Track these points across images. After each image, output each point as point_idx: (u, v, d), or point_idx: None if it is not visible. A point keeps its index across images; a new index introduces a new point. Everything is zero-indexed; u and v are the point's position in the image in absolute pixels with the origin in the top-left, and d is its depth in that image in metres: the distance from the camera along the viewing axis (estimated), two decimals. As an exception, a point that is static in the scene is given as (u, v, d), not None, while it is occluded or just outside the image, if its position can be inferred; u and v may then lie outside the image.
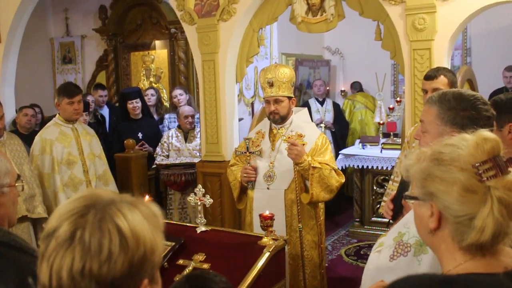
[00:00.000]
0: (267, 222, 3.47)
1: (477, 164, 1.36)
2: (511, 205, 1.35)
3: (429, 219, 1.45)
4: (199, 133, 6.27)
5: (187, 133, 6.32)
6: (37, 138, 4.94)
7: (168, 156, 6.24)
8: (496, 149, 1.39)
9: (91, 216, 1.17)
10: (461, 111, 2.16)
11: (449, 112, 2.18)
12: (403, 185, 2.69)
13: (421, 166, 1.47)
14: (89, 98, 7.24)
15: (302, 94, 9.36)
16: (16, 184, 2.09)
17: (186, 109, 6.40)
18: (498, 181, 1.35)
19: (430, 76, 3.57)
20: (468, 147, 1.39)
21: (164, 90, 8.70)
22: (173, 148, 6.25)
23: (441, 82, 3.50)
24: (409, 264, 1.98)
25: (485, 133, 1.43)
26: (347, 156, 7.17)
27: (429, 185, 1.43)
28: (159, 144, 6.33)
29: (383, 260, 2.10)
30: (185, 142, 6.28)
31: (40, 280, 1.19)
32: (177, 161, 6.07)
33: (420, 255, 1.96)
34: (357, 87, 9.57)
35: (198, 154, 6.16)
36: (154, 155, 6.33)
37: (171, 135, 6.34)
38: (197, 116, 6.84)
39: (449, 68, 4.40)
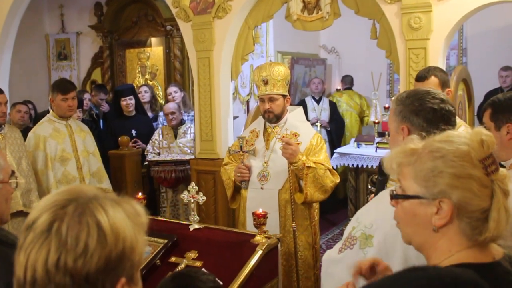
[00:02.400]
0: (260, 220, 3.45)
1: (483, 160, 1.43)
2: (507, 193, 1.44)
3: (434, 217, 1.45)
4: (189, 129, 6.25)
5: (176, 130, 6.29)
6: (30, 134, 4.92)
7: (159, 154, 6.21)
8: (494, 145, 1.46)
9: (71, 209, 1.15)
10: (408, 104, 2.21)
11: (399, 107, 2.24)
12: (381, 185, 2.69)
13: (426, 165, 1.47)
14: (86, 96, 7.22)
15: (297, 93, 9.34)
16: (10, 181, 2.07)
17: (169, 106, 6.39)
18: (498, 175, 1.44)
19: (421, 77, 3.57)
20: (473, 143, 1.44)
21: (160, 88, 8.68)
22: (163, 145, 6.22)
23: (432, 82, 3.49)
24: (355, 256, 2.03)
25: (483, 130, 1.48)
26: (342, 155, 7.17)
27: (440, 183, 1.44)
28: (150, 141, 6.31)
29: (332, 253, 2.19)
30: (175, 139, 6.24)
31: (15, 274, 1.17)
32: (168, 158, 6.04)
33: (365, 248, 2.01)
34: (348, 82, 9.41)
35: (189, 151, 6.14)
36: (145, 153, 6.30)
37: (161, 133, 6.31)
38: (192, 113, 6.82)
39: (444, 67, 4.39)
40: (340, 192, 8.26)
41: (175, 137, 6.25)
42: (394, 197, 1.58)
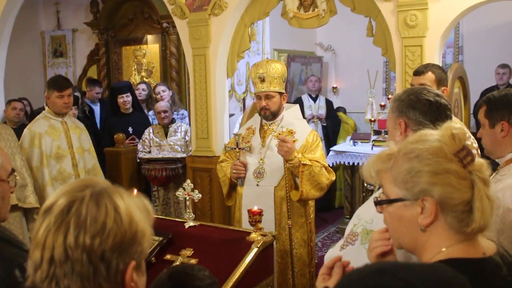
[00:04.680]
0: (255, 217, 3.45)
1: (457, 153, 1.45)
2: (487, 182, 1.47)
3: (420, 217, 1.46)
4: (179, 128, 6.22)
5: (167, 129, 6.25)
6: (26, 131, 4.90)
7: (149, 152, 6.16)
8: (465, 137, 1.48)
9: (89, 192, 1.22)
10: (404, 99, 2.26)
11: (395, 103, 2.29)
12: None
13: (402, 167, 1.48)
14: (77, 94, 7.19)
15: (294, 91, 9.34)
16: (9, 179, 2.08)
17: (161, 105, 6.33)
18: (475, 165, 1.45)
19: (418, 71, 3.60)
20: (444, 138, 1.46)
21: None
22: (154, 144, 6.17)
23: (428, 78, 3.52)
24: (357, 252, 2.05)
25: (453, 124, 1.50)
26: (338, 153, 7.16)
27: (420, 182, 1.45)
28: (141, 140, 6.25)
29: (334, 250, 2.19)
30: (166, 137, 6.21)
31: (31, 255, 1.21)
32: (160, 156, 6.01)
33: (367, 243, 2.00)
34: (341, 110, 9.51)
35: (180, 149, 6.12)
36: (136, 152, 6.28)
37: (151, 131, 6.27)
38: (181, 112, 6.80)
39: (440, 65, 4.39)
40: (336, 200, 8.40)
41: (166, 135, 6.20)
42: (378, 203, 1.59)
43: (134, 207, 1.24)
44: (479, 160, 1.47)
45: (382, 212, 1.59)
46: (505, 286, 1.42)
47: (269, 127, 4.24)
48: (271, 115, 4.19)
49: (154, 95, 7.22)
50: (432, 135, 1.49)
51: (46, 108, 5.01)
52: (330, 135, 8.44)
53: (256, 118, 4.38)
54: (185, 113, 6.94)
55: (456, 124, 1.51)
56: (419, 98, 2.21)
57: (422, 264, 1.25)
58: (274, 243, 3.50)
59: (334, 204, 8.44)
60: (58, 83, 4.91)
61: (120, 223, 1.19)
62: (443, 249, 1.45)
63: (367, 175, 1.58)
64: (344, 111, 9.47)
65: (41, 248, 1.18)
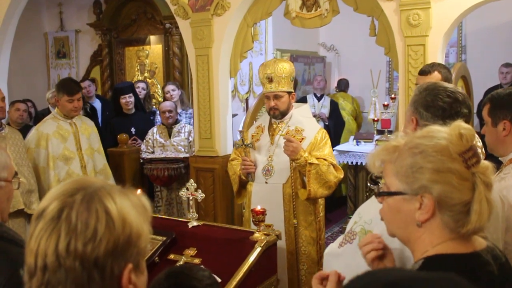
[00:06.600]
0: (258, 217, 3.46)
1: (463, 153, 1.44)
2: (490, 185, 1.46)
3: (417, 212, 1.47)
4: (183, 128, 6.23)
5: (170, 129, 6.26)
6: (33, 131, 4.93)
7: (153, 153, 6.17)
8: (473, 138, 1.47)
9: (80, 197, 1.19)
10: (423, 96, 2.26)
11: (415, 97, 2.29)
12: None
13: (406, 161, 1.48)
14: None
15: (296, 90, 9.33)
16: (13, 180, 2.10)
17: (165, 104, 6.34)
18: (479, 167, 1.44)
19: (424, 71, 3.58)
20: (452, 137, 1.45)
21: (159, 85, 8.66)
22: (158, 144, 6.18)
23: (435, 78, 3.51)
24: (354, 251, 2.03)
25: (462, 124, 1.49)
26: (341, 152, 7.17)
27: (421, 178, 1.45)
28: (144, 141, 6.26)
29: (333, 246, 2.20)
30: (169, 138, 6.21)
31: (26, 261, 1.20)
32: (162, 156, 6.02)
33: None
34: (342, 85, 9.48)
35: (183, 149, 6.12)
36: (140, 153, 6.28)
37: (155, 132, 6.27)
38: (190, 111, 6.80)
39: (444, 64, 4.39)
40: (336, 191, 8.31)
41: (169, 135, 6.21)
42: (379, 194, 1.60)
43: (128, 208, 1.21)
44: (484, 163, 1.47)
45: (382, 203, 1.59)
46: (493, 281, 1.42)
47: (278, 125, 4.26)
48: (280, 115, 4.21)
49: (163, 94, 7.22)
50: (440, 132, 1.48)
51: (56, 109, 5.02)
52: (332, 135, 8.42)
53: (266, 116, 4.41)
54: (194, 112, 6.94)
55: (465, 124, 1.50)
56: (434, 102, 2.21)
57: (434, 275, 1.22)
58: (278, 242, 3.50)
59: (341, 193, 8.35)
60: (68, 88, 4.90)
61: (112, 228, 1.16)
62: (434, 246, 1.46)
63: (371, 164, 1.59)
64: (346, 88, 9.43)
65: (34, 255, 1.17)
